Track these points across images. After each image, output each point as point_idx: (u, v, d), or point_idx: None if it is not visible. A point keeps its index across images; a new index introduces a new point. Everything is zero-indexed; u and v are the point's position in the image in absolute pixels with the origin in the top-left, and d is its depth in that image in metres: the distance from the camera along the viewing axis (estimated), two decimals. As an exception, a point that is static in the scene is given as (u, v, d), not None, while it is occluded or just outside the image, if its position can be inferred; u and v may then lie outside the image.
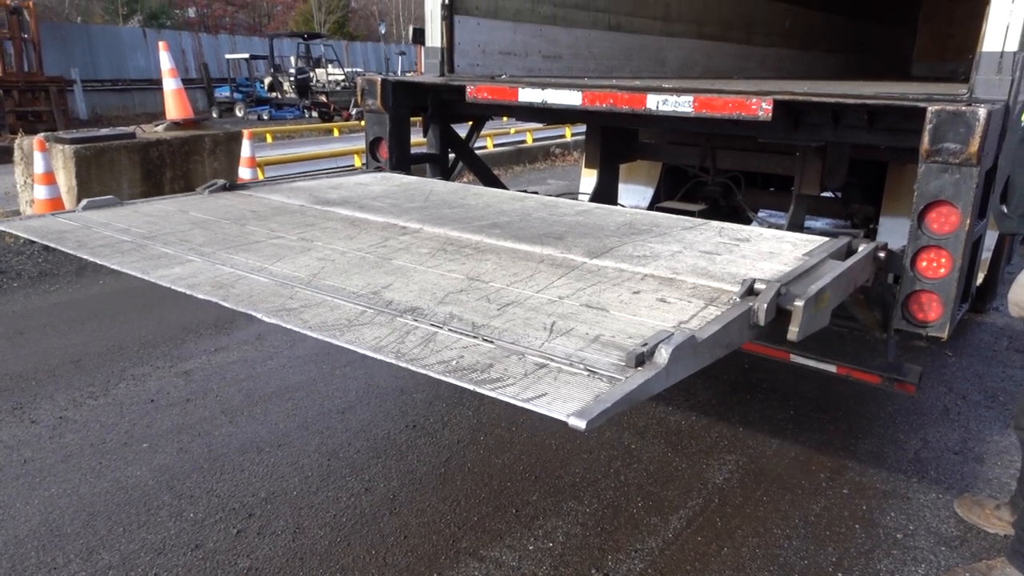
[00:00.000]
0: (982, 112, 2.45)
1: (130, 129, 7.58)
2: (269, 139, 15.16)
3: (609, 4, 5.70)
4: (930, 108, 2.54)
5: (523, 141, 14.40)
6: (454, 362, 1.63)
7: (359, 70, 26.78)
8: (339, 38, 37.89)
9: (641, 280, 2.19)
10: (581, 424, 1.34)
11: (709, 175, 4.53)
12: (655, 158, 5.15)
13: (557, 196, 3.79)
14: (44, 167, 6.59)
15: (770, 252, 2.50)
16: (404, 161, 4.21)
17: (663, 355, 1.53)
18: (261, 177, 8.27)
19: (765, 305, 1.88)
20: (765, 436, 3.53)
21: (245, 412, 3.67)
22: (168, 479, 3.10)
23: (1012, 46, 2.67)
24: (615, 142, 4.80)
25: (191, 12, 46.49)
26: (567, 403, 1.43)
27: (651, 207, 4.80)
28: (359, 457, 3.30)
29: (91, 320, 4.86)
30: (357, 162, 10.94)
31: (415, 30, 4.61)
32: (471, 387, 1.54)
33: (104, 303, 5.21)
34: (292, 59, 23.77)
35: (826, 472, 3.24)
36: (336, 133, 17.07)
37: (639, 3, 6.00)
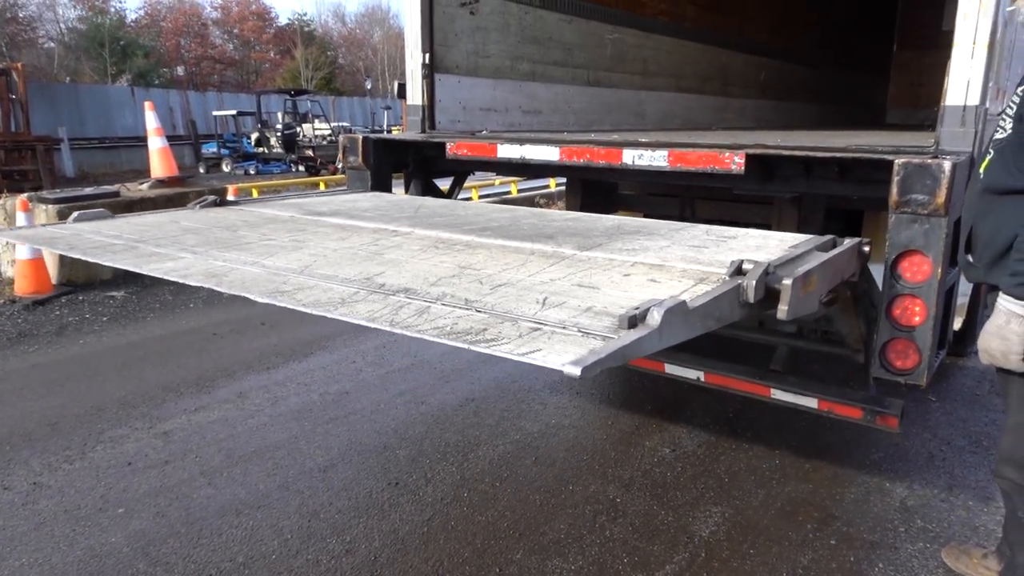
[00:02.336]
0: (947, 164, 2.51)
1: (114, 188, 7.62)
2: (255, 194, 15.22)
3: (587, 60, 5.83)
4: (897, 161, 2.60)
5: (508, 192, 14.55)
6: (448, 327, 1.67)
7: (346, 124, 27.13)
8: (326, 94, 38.47)
9: (631, 266, 2.26)
10: (576, 371, 1.37)
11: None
12: (635, 209, 5.21)
13: None
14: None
15: (757, 246, 2.56)
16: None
17: (655, 317, 1.57)
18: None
19: (754, 282, 1.93)
20: (751, 486, 3.50)
21: (225, 473, 3.61)
22: (144, 545, 3.02)
23: (974, 100, 2.75)
24: (595, 193, 4.86)
25: (180, 71, 47.19)
26: (561, 356, 1.46)
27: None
28: (340, 517, 3.24)
29: (70, 381, 4.80)
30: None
31: (400, 85, 4.70)
32: (466, 346, 1.58)
33: (83, 363, 5.15)
34: (279, 115, 24.07)
35: (813, 523, 3.21)
36: (323, 187, 17.16)
37: (617, 59, 6.15)
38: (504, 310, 1.79)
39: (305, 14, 61.83)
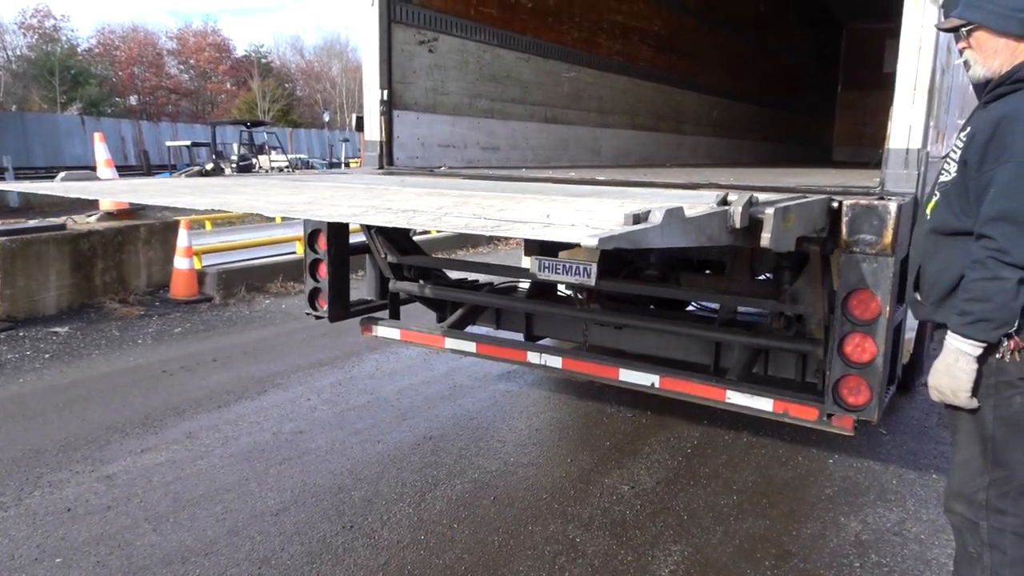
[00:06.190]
0: (892, 206, 2.58)
1: (60, 220, 7.41)
2: (208, 226, 14.96)
3: (545, 98, 5.91)
4: (845, 202, 2.67)
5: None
6: (464, 224, 1.84)
7: (303, 156, 27.01)
8: (283, 125, 38.30)
9: (622, 202, 2.42)
10: (594, 241, 1.51)
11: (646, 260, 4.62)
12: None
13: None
14: (-34, 260, 6.35)
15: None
16: (342, 246, 4.15)
17: (657, 216, 1.72)
18: (198, 266, 8.12)
19: (740, 209, 2.10)
20: (710, 524, 3.50)
21: (171, 518, 3.47)
22: (82, 597, 2.88)
23: (916, 144, 2.86)
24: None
25: (133, 100, 46.53)
26: (576, 234, 1.61)
27: (591, 290, 4.85)
28: (292, 563, 3.14)
29: (7, 422, 4.59)
30: (299, 249, 10.86)
31: (358, 118, 4.69)
32: (486, 232, 1.79)
33: (22, 403, 4.94)
34: (235, 146, 23.88)
35: (771, 559, 3.21)
36: (278, 220, 16.95)
37: (574, 97, 6.25)
38: (513, 219, 1.95)
39: (263, 46, 61.62)
